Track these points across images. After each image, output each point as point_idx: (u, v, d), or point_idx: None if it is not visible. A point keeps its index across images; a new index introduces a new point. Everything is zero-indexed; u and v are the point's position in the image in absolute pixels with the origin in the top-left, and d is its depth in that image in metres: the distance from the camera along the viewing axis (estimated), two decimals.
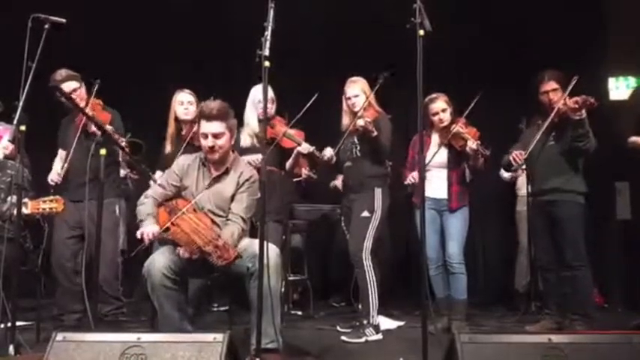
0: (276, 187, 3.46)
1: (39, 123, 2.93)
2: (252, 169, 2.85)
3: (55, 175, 3.41)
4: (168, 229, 2.51)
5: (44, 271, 3.27)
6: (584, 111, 3.11)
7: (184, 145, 3.46)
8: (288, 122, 3.55)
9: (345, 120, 3.51)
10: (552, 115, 3.28)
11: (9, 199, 2.92)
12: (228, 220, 2.65)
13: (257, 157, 3.31)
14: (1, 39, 3.90)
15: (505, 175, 4.44)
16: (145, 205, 2.68)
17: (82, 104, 3.34)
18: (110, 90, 3.52)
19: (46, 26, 2.66)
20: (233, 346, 1.92)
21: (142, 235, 2.55)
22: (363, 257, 3.30)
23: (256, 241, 2.36)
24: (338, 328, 3.49)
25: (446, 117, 3.49)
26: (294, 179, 3.86)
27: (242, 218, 2.65)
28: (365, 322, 3.27)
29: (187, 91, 3.66)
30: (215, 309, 4.24)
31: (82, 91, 3.45)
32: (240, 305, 2.99)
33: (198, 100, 3.54)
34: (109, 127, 3.25)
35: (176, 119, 3.64)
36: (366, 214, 3.36)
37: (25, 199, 2.78)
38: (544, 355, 1.89)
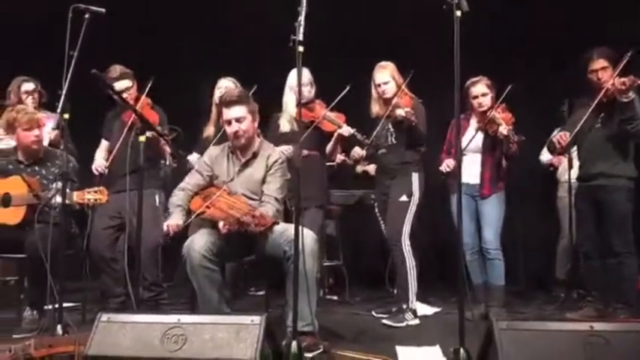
0: (317, 172, 3.47)
1: (81, 112, 3.00)
2: (279, 151, 2.91)
3: (101, 164, 3.48)
4: (203, 212, 2.56)
5: (89, 254, 3.38)
6: (631, 93, 2.98)
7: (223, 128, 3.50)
8: (329, 105, 3.54)
9: (375, 107, 3.48)
10: (600, 95, 3.15)
11: (53, 185, 3.02)
12: (262, 201, 2.71)
13: (287, 148, 3.33)
14: (43, 29, 4.01)
15: (544, 160, 4.32)
16: (177, 196, 2.78)
17: (133, 102, 3.41)
18: (145, 79, 3.57)
19: (86, 16, 2.72)
20: (270, 328, 1.95)
21: (166, 227, 2.64)
22: (402, 242, 3.29)
23: (293, 226, 2.38)
24: (373, 313, 3.50)
25: (485, 101, 3.41)
26: (328, 164, 3.86)
27: (275, 198, 2.72)
28: (404, 306, 3.27)
29: (230, 78, 3.71)
30: (252, 292, 4.31)
31: (135, 88, 3.51)
32: (276, 289, 3.04)
33: (239, 86, 3.57)
34: (158, 128, 3.33)
35: (217, 105, 3.68)
36: (404, 198, 3.34)
37: (70, 190, 2.88)
38: (586, 342, 1.84)
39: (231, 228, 2.47)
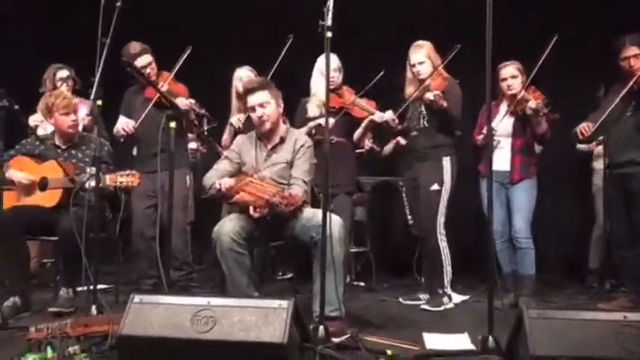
0: (346, 158, 3.46)
1: (114, 98, 3.06)
2: (305, 135, 2.91)
3: (128, 122, 3.45)
4: (232, 196, 2.61)
5: (122, 238, 3.46)
6: None
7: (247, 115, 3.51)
8: (357, 92, 3.51)
9: (409, 89, 3.41)
10: (631, 83, 3.06)
11: (88, 169, 3.10)
12: (290, 184, 2.74)
13: (317, 122, 3.31)
14: (76, 17, 4.08)
15: (581, 146, 4.21)
16: (212, 176, 2.83)
17: (154, 77, 3.45)
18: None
19: (118, 4, 2.76)
20: (298, 312, 1.96)
21: (219, 185, 2.68)
22: (438, 232, 3.29)
23: (321, 211, 2.39)
24: (400, 299, 3.50)
25: (515, 84, 3.33)
26: (357, 151, 3.84)
27: (303, 181, 2.74)
28: (440, 291, 3.29)
29: (247, 67, 3.69)
30: (280, 278, 4.36)
31: (155, 64, 3.52)
32: (304, 275, 3.07)
33: (258, 75, 3.57)
34: (186, 101, 3.36)
35: (238, 95, 3.69)
36: (435, 187, 3.31)
37: (103, 174, 2.94)
38: (619, 332, 1.80)
39: (262, 211, 2.50)
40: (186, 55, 3.45)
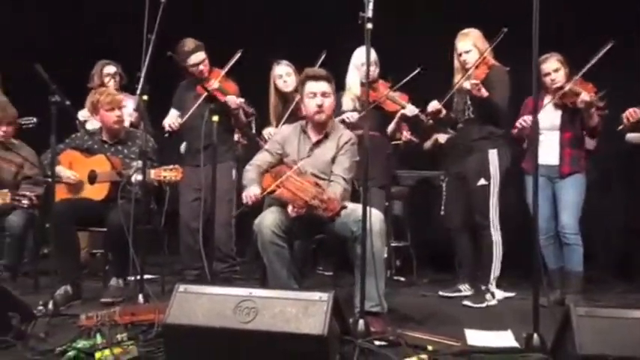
0: (378, 152, 3.44)
1: (159, 93, 3.14)
2: (350, 132, 2.88)
3: (174, 120, 3.56)
4: (274, 190, 2.62)
5: (167, 230, 3.55)
6: None
7: (287, 115, 3.51)
8: (392, 86, 3.49)
9: (457, 78, 3.34)
10: None
11: (134, 164, 3.19)
12: (330, 181, 2.72)
13: (352, 114, 3.30)
14: (122, 14, 4.19)
15: (631, 136, 4.03)
16: (250, 171, 2.83)
17: (207, 74, 3.54)
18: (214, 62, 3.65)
19: (163, 0, 2.82)
20: (338, 306, 1.97)
21: (245, 197, 2.69)
22: (492, 228, 3.24)
23: (360, 206, 2.38)
24: (440, 292, 3.46)
25: (559, 77, 3.22)
26: (394, 143, 3.81)
27: (344, 179, 2.72)
28: (483, 287, 3.25)
29: (285, 62, 3.67)
30: (320, 272, 4.38)
31: (207, 60, 3.59)
32: (344, 269, 3.07)
33: (297, 70, 3.58)
34: (236, 100, 3.43)
35: (276, 92, 3.71)
36: (482, 182, 3.25)
37: (148, 169, 3.03)
38: None
39: (299, 211, 2.50)
40: (237, 57, 3.51)
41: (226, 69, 3.56)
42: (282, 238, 2.59)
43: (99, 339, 2.10)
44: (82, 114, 3.87)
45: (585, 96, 3.05)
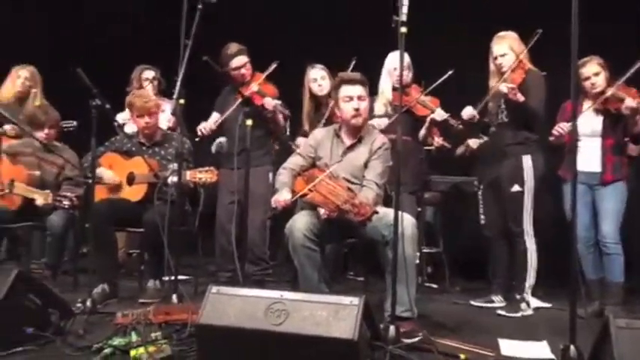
0: (410, 158, 3.41)
1: (196, 97, 3.20)
2: (383, 136, 2.87)
3: (209, 126, 3.63)
4: (305, 194, 2.63)
5: (201, 231, 3.61)
6: None
7: (323, 121, 3.53)
8: (424, 90, 3.46)
9: (493, 82, 3.29)
10: None
11: (170, 166, 3.26)
12: (362, 186, 2.72)
13: (380, 121, 3.29)
14: (160, 20, 4.30)
15: None
16: (282, 175, 2.85)
17: (249, 77, 3.62)
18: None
19: (199, 6, 2.88)
20: (368, 310, 1.96)
21: (274, 202, 2.71)
22: (525, 235, 3.18)
23: (392, 211, 2.37)
24: (471, 302, 3.41)
25: (599, 81, 3.13)
26: (426, 148, 3.77)
27: (376, 184, 2.71)
28: (518, 296, 3.18)
29: (319, 66, 3.70)
30: (351, 277, 4.36)
31: (250, 64, 3.66)
32: (375, 274, 3.06)
33: (331, 74, 3.59)
34: (272, 102, 3.47)
35: (311, 96, 3.73)
36: (516, 188, 3.18)
37: (184, 170, 3.09)
38: None
39: (331, 214, 2.51)
40: (277, 62, 3.57)
41: (266, 73, 3.62)
42: (313, 242, 2.60)
43: (134, 337, 2.15)
44: (121, 117, 3.98)
45: (631, 102, 2.96)
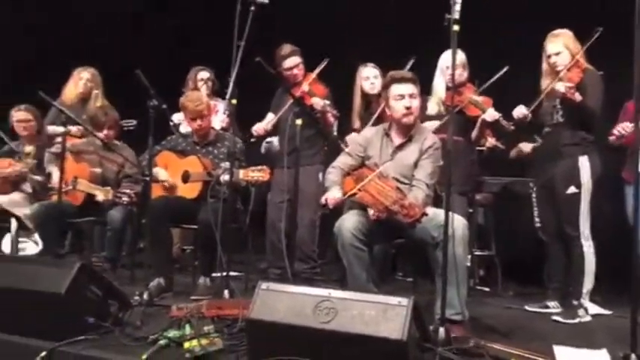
0: (461, 158, 3.36)
1: (248, 98, 3.27)
2: (434, 135, 2.83)
3: (263, 127, 3.71)
4: (355, 194, 2.63)
5: (252, 229, 3.68)
6: None
7: (373, 120, 3.53)
8: (478, 90, 3.39)
9: (546, 81, 3.19)
10: None
11: (223, 164, 3.34)
12: (412, 186, 2.69)
13: (433, 124, 3.25)
14: (215, 22, 4.40)
15: None
16: (332, 174, 2.86)
17: (301, 78, 3.69)
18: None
19: (252, 8, 2.94)
20: (417, 311, 1.95)
21: (325, 200, 2.72)
22: (582, 238, 3.07)
23: (442, 211, 2.34)
24: (526, 307, 3.31)
25: None
26: (478, 149, 3.69)
27: (426, 184, 2.67)
28: (575, 302, 3.08)
29: (371, 64, 3.71)
30: (400, 278, 4.33)
31: (302, 65, 3.73)
32: (424, 275, 3.02)
33: (383, 73, 3.58)
34: (321, 102, 3.52)
35: (362, 95, 3.73)
36: (572, 189, 3.07)
37: (237, 169, 3.16)
38: None
39: (380, 215, 2.50)
40: (326, 62, 3.60)
41: (316, 72, 3.66)
42: (362, 241, 2.60)
43: (188, 330, 2.22)
44: (177, 117, 4.11)
45: None
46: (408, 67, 3.52)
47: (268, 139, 3.80)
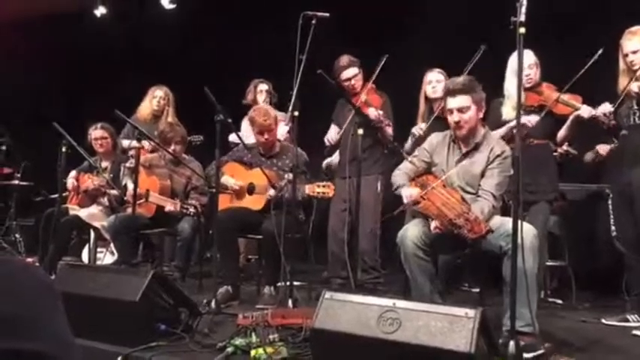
0: (547, 163, 3.23)
1: (309, 110, 3.31)
2: (504, 144, 2.75)
3: (334, 137, 3.79)
4: (418, 202, 2.59)
5: (314, 239, 3.71)
6: None
7: (432, 118, 3.51)
8: (560, 88, 3.25)
9: (623, 81, 3.03)
10: None
11: (286, 176, 3.40)
12: (478, 196, 2.61)
13: (531, 119, 3.14)
14: (277, 36, 4.50)
15: None
16: (398, 176, 2.83)
17: (359, 88, 3.73)
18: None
19: (313, 22, 2.99)
20: (485, 323, 1.89)
21: (405, 197, 2.66)
22: None
23: (511, 220, 2.26)
24: (603, 320, 3.13)
25: None
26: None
27: (492, 195, 2.58)
28: None
29: (437, 70, 3.72)
30: (466, 289, 4.21)
31: (361, 75, 3.78)
32: (492, 286, 2.93)
33: (448, 78, 3.53)
34: (375, 112, 3.53)
35: (426, 98, 3.73)
36: None
37: (301, 182, 3.21)
38: None
39: (442, 229, 2.44)
40: (382, 64, 3.60)
41: (372, 79, 3.70)
42: (424, 252, 2.56)
43: (254, 338, 2.28)
44: (243, 127, 4.23)
45: None
46: (477, 57, 3.43)
47: (330, 160, 3.87)
